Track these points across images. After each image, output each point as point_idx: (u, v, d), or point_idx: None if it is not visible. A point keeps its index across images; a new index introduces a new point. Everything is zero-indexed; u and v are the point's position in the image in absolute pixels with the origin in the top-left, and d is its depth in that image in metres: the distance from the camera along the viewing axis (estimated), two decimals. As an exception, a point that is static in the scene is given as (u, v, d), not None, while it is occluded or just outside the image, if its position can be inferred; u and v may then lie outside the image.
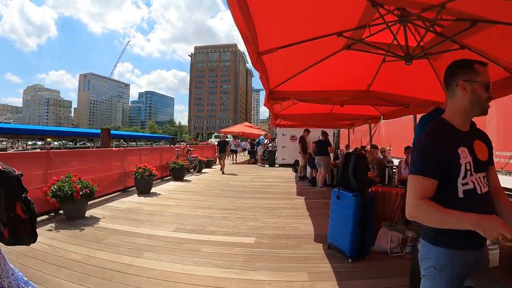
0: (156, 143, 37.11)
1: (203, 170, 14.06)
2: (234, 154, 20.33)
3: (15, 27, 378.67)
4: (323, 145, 9.48)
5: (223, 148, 14.17)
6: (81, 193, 5.81)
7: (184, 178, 11.32)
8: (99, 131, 14.98)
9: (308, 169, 11.70)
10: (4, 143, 41.61)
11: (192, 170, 13.09)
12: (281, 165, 16.57)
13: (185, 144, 14.46)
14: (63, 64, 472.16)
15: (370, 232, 3.90)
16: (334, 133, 17.52)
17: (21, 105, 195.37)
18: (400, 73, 5.05)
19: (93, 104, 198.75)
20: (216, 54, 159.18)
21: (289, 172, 13.77)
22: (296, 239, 4.66)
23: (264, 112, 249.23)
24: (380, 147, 8.63)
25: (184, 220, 5.68)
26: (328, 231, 4.18)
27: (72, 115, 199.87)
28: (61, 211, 6.05)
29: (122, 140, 32.75)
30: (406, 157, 7.03)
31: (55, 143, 46.72)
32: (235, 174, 13.03)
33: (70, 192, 5.69)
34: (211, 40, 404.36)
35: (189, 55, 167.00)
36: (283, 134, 16.43)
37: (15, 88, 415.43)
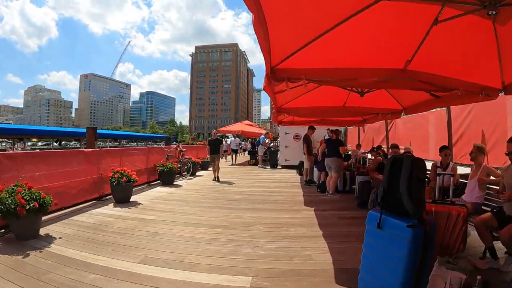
0: (157, 143, 35.73)
1: (197, 173, 12.68)
2: (234, 155, 18.89)
3: (16, 28, 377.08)
4: (334, 145, 8.09)
5: (215, 148, 10.93)
6: (27, 207, 4.46)
7: (174, 183, 9.95)
8: (84, 130, 13.57)
9: (315, 172, 10.32)
10: (4, 143, 40.48)
11: (185, 173, 11.74)
12: (284, 167, 15.18)
13: (177, 143, 13.01)
14: (64, 65, 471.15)
15: (427, 276, 2.52)
16: (341, 131, 16.17)
17: (22, 106, 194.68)
18: (451, 45, 3.66)
19: (94, 104, 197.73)
20: (217, 54, 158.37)
21: (293, 175, 12.38)
22: (310, 278, 3.25)
23: (265, 112, 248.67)
24: (403, 147, 7.22)
25: (159, 244, 4.30)
26: (360, 272, 2.78)
27: (73, 115, 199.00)
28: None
29: (115, 141, 31.44)
30: (442, 159, 5.62)
31: (55, 143, 45.51)
32: (232, 177, 11.65)
33: (13, 206, 4.37)
34: (212, 40, 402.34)
35: (189, 55, 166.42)
36: (286, 133, 15.03)
37: (17, 89, 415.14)
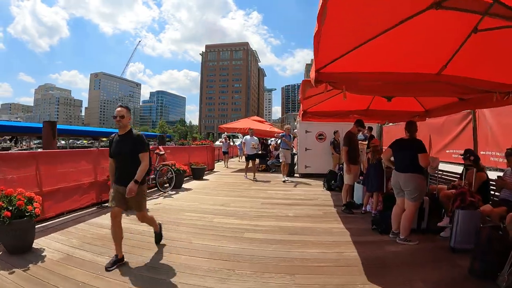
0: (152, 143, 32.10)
1: (185, 185, 9.16)
2: (251, 163, 11.17)
3: (27, 28, 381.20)
4: (410, 150, 4.45)
5: (126, 165, 3.61)
6: None
7: (141, 204, 6.50)
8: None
9: (358, 189, 6.74)
10: (8, 142, 38.25)
11: (166, 185, 8.30)
12: (304, 175, 11.51)
13: (155, 145, 9.48)
14: (75, 64, 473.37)
15: None
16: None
17: (32, 105, 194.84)
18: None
19: (104, 103, 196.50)
20: (228, 53, 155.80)
21: (319, 190, 8.73)
22: None
23: (276, 112, 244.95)
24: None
25: None
26: None
27: (83, 114, 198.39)
28: None
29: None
30: None
31: (62, 141, 42.86)
32: (233, 194, 8.11)
33: None
34: (222, 40, 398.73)
35: (200, 54, 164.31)
36: (306, 131, 11.38)
37: (28, 88, 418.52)
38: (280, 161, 11.15)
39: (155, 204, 6.57)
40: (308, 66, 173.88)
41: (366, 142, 10.98)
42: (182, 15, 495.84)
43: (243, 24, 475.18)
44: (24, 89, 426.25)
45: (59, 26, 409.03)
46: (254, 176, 11.08)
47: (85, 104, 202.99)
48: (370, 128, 10.48)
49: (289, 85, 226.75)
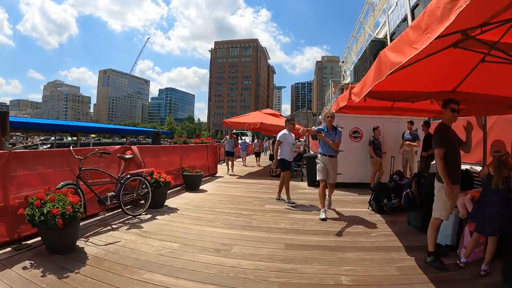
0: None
1: (171, 201, 6.52)
2: (284, 176, 6.84)
3: (36, 25, 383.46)
4: None
5: None
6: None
7: (81, 244, 3.85)
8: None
9: (448, 220, 3.96)
10: (15, 138, 36.85)
11: (142, 202, 5.64)
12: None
13: (128, 141, 6.76)
14: (84, 61, 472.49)
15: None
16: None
17: (41, 101, 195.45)
18: None
19: (113, 100, 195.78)
20: (237, 50, 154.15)
21: (365, 212, 5.93)
22: None
23: (285, 110, 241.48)
24: None
25: None
26: None
27: (92, 111, 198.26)
28: None
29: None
30: None
31: (69, 138, 41.07)
32: (233, 225, 5.46)
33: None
34: (231, 37, 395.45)
35: (209, 51, 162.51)
36: (337, 127, 8.59)
37: (38, 84, 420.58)
38: (318, 178, 5.99)
39: (105, 245, 3.87)
40: (318, 64, 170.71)
41: (416, 144, 8.25)
42: (191, 12, 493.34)
43: (252, 21, 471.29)
44: (33, 85, 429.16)
45: (68, 23, 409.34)
46: (289, 197, 6.69)
47: (93, 100, 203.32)
48: (427, 124, 7.73)
49: (298, 83, 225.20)
